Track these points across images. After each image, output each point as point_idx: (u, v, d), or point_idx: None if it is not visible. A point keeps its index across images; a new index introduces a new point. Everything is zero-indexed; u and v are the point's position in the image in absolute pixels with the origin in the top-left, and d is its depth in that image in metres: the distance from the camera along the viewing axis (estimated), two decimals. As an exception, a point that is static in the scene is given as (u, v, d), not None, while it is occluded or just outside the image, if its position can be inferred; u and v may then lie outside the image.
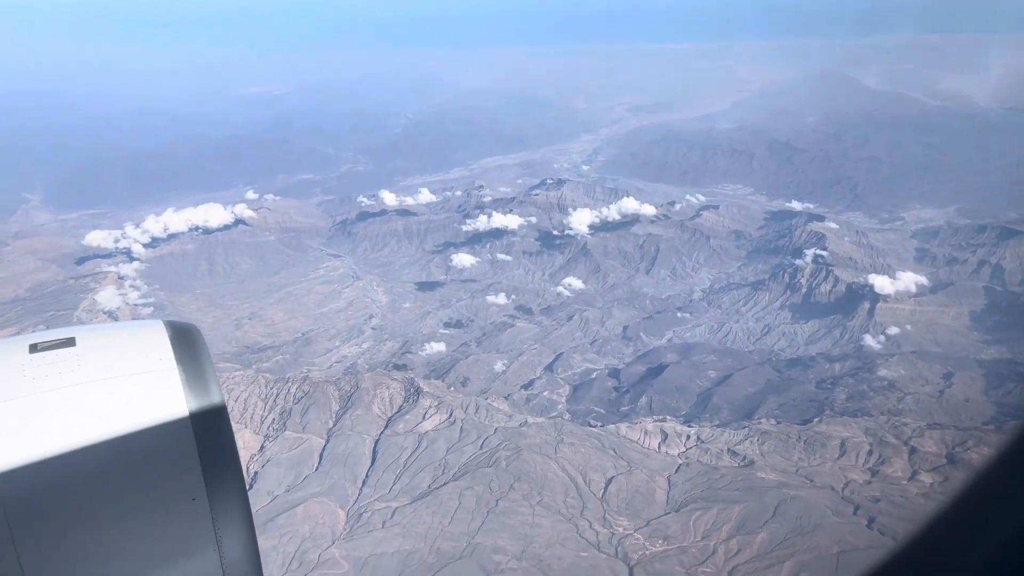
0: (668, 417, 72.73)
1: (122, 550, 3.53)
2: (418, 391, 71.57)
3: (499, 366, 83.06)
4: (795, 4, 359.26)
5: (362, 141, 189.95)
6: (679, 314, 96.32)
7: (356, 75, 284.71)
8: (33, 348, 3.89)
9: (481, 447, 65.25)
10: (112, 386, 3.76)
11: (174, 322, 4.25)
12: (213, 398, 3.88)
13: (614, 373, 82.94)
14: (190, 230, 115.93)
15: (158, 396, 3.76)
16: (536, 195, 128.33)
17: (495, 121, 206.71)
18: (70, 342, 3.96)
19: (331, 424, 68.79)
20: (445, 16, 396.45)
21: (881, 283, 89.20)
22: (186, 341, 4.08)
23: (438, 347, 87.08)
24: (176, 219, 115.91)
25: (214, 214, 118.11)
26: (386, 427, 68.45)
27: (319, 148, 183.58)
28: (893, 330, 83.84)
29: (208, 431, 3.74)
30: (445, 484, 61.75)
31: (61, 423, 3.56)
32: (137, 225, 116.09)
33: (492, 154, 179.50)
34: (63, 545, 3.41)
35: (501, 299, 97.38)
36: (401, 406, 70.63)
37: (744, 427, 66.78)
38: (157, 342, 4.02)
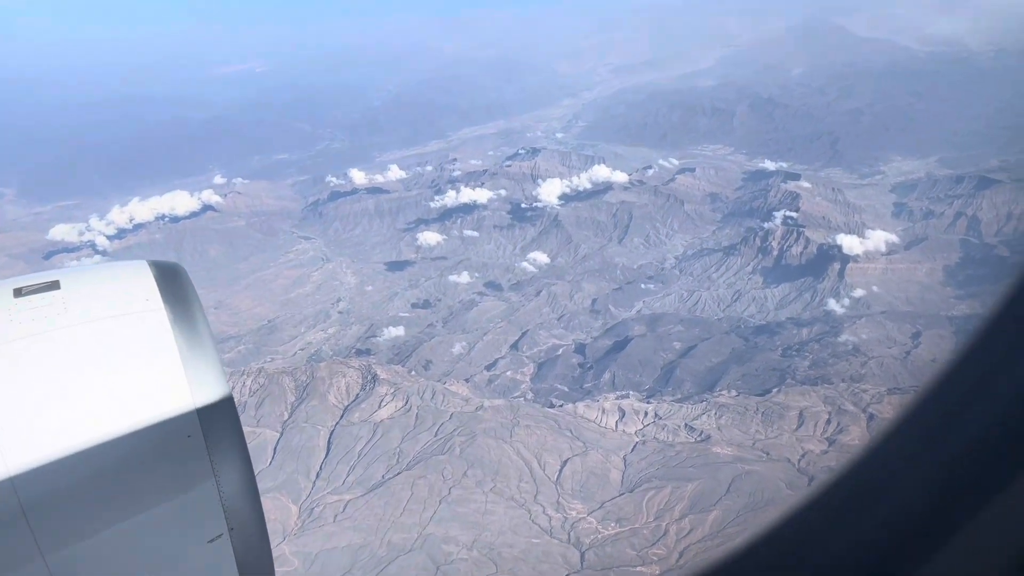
0: (631, 393, 71.72)
1: (119, 489, 3.48)
2: (375, 378, 70.61)
3: (463, 347, 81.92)
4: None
5: (341, 117, 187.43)
6: (649, 284, 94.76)
7: (338, 48, 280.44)
8: (17, 292, 3.84)
9: (436, 434, 64.41)
10: (100, 327, 3.71)
11: (159, 262, 4.23)
12: (202, 336, 3.85)
13: (580, 349, 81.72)
14: (157, 219, 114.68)
15: (146, 336, 3.73)
16: (509, 166, 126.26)
17: (477, 90, 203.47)
18: (54, 285, 3.91)
19: (286, 416, 68.00)
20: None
21: (850, 243, 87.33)
22: (172, 280, 4.04)
23: (402, 330, 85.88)
24: (142, 209, 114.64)
25: (181, 202, 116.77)
26: (342, 417, 67.64)
27: (297, 126, 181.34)
28: (859, 292, 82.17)
29: (198, 368, 3.70)
30: (398, 474, 61.06)
31: (50, 366, 3.52)
32: (102, 217, 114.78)
33: (472, 124, 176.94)
34: (57, 482, 3.35)
35: (465, 278, 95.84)
36: (358, 394, 69.74)
37: (703, 401, 65.64)
38: (143, 282, 3.97)
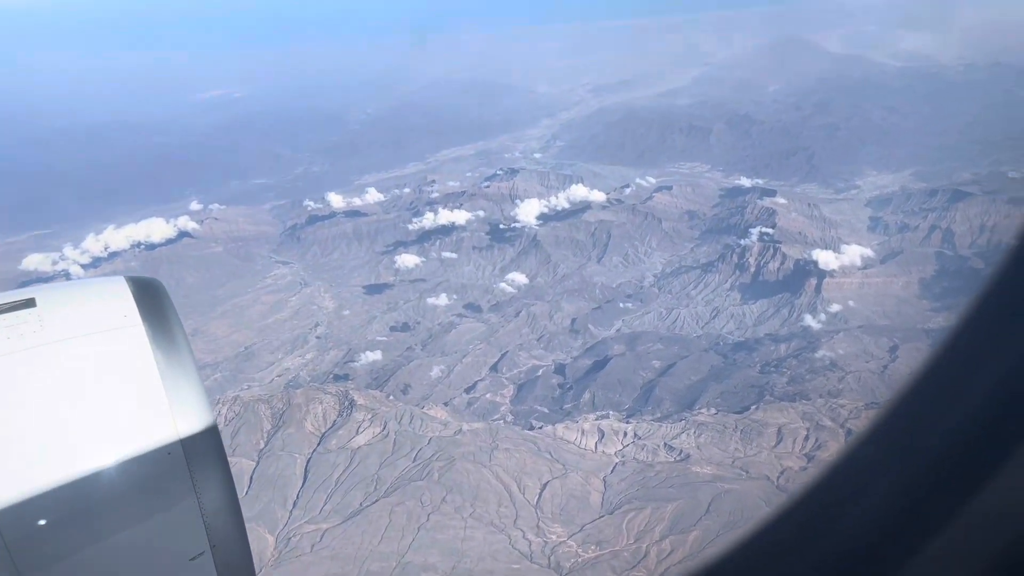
0: (610, 412, 71.45)
1: (99, 509, 3.45)
2: (352, 404, 69.89)
3: (442, 370, 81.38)
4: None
5: (320, 141, 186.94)
6: (628, 303, 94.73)
7: (317, 72, 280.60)
8: None
9: (414, 459, 63.72)
10: (77, 345, 3.67)
11: (136, 277, 4.16)
12: (181, 351, 3.80)
13: (560, 369, 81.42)
14: (132, 247, 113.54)
15: (124, 353, 3.69)
16: (487, 187, 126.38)
17: (455, 111, 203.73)
18: (30, 303, 3.86)
19: (262, 445, 67.09)
20: (409, 5, 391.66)
21: (826, 258, 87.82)
22: (150, 296, 3.99)
23: (380, 354, 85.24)
24: (117, 236, 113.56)
25: (157, 229, 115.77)
26: (319, 444, 66.81)
27: (275, 150, 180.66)
28: (835, 307, 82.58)
29: (178, 384, 3.65)
30: (376, 501, 60.25)
31: (25, 385, 3.49)
32: (76, 246, 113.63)
33: (451, 145, 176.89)
34: (36, 502, 3.31)
35: (443, 300, 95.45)
36: (335, 421, 68.96)
37: (682, 419, 65.40)
38: (120, 299, 3.92)
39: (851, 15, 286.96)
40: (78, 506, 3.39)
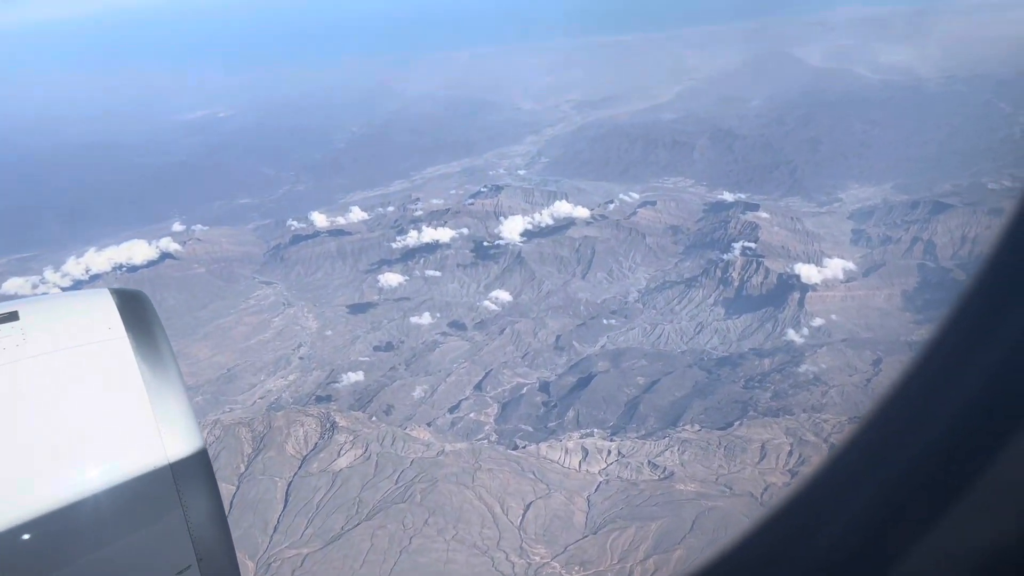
0: (595, 430, 71.05)
1: (85, 522, 3.41)
2: (334, 426, 69.21)
3: (426, 389, 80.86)
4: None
5: (304, 159, 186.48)
6: (613, 319, 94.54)
7: (302, 91, 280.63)
8: None
9: (396, 482, 63.03)
10: (61, 358, 3.67)
11: (121, 289, 4.15)
12: (166, 363, 3.79)
13: (544, 387, 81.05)
14: (114, 269, 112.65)
15: (109, 365, 3.68)
16: (471, 204, 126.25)
17: (441, 128, 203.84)
18: (13, 316, 3.86)
19: (242, 469, 66.26)
20: (396, 23, 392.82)
21: (808, 272, 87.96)
22: (134, 308, 3.98)
23: (362, 375, 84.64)
24: (99, 259, 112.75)
25: (139, 251, 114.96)
26: (300, 467, 66.05)
27: (259, 170, 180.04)
28: (818, 321, 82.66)
29: (163, 396, 3.64)
30: (358, 525, 59.50)
31: (10, 399, 3.48)
32: (57, 269, 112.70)
33: (436, 163, 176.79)
34: (20, 515, 3.28)
35: (427, 319, 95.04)
36: (316, 443, 68.22)
37: (666, 436, 65.05)
38: (104, 311, 3.91)
39: (833, 29, 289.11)
40: (64, 521, 3.34)
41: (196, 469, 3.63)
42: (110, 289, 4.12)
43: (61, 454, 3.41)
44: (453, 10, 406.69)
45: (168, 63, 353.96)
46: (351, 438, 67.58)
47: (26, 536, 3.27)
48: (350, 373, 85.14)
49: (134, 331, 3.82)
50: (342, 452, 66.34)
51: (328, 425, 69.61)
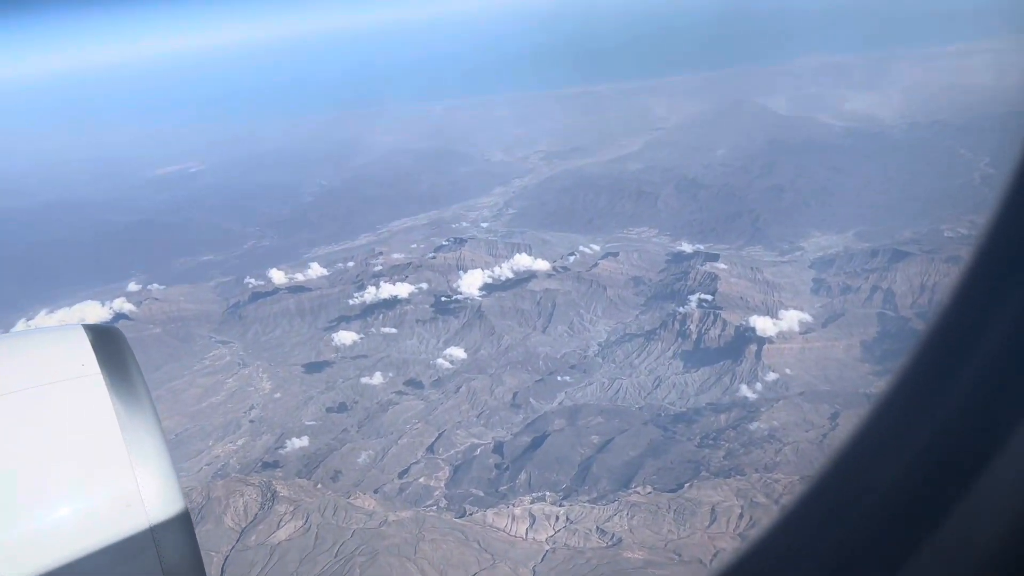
0: (547, 493, 69.01)
1: (57, 564, 3.28)
2: (274, 496, 66.70)
3: (376, 453, 78.49)
4: (707, 36, 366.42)
5: (271, 214, 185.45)
6: (571, 374, 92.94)
7: (276, 144, 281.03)
8: None
9: (336, 555, 60.45)
10: (32, 396, 3.61)
11: (95, 325, 4.13)
12: (141, 401, 3.74)
13: (499, 448, 78.91)
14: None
15: (82, 404, 3.61)
16: (433, 258, 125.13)
17: (410, 181, 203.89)
18: None
19: (177, 543, 63.39)
20: (369, 77, 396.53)
21: (763, 325, 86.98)
22: (109, 345, 3.94)
23: (312, 438, 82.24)
24: (50, 322, 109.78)
25: (91, 312, 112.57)
26: (238, 541, 63.38)
27: (225, 226, 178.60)
28: (776, 374, 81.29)
29: (138, 436, 3.57)
30: (293, 602, 56.96)
31: None
32: (7, 331, 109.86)
33: (403, 216, 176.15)
34: None
35: (378, 378, 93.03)
36: (256, 514, 65.64)
37: (615, 500, 63.05)
38: (78, 347, 3.87)
39: (799, 77, 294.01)
40: (34, 564, 3.19)
41: (171, 508, 3.50)
42: (84, 325, 4.04)
43: (31, 494, 3.27)
44: (427, 63, 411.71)
45: (140, 118, 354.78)
46: (291, 508, 65.07)
47: None
48: (300, 437, 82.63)
49: (108, 368, 3.72)
50: (281, 524, 63.81)
51: (269, 495, 67.12)
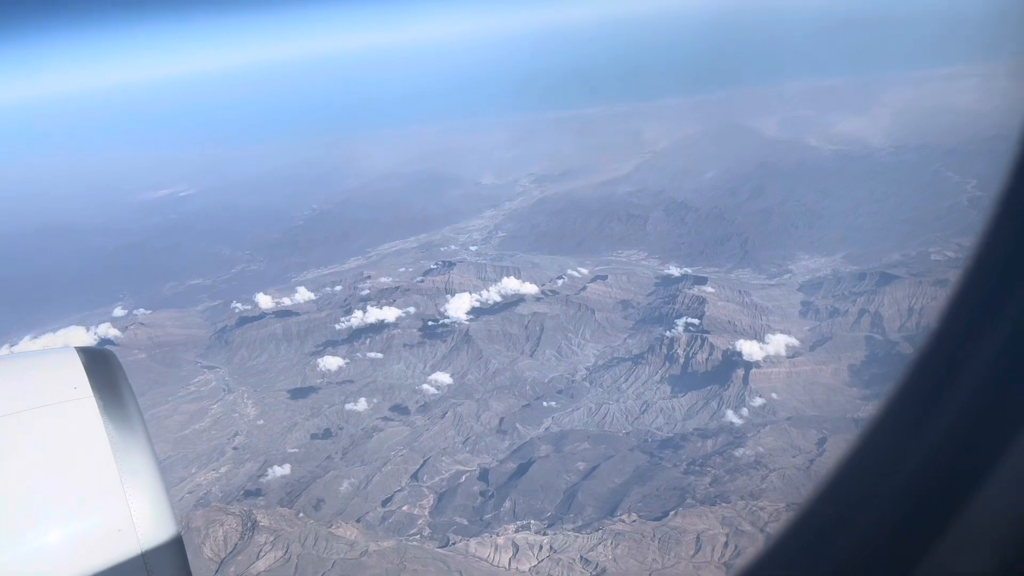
0: (532, 521, 68.17)
1: None
2: (255, 525, 65.72)
3: (359, 481, 77.52)
4: (698, 60, 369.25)
5: (261, 238, 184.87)
6: (559, 399, 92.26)
7: (267, 168, 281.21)
8: None
9: (315, 585, 59.55)
10: (24, 419, 3.58)
11: (87, 348, 4.09)
12: (134, 424, 3.70)
13: (484, 475, 78.04)
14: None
15: (74, 427, 3.59)
16: (422, 282, 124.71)
17: (401, 204, 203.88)
18: None
19: (154, 575, 62.32)
20: (359, 101, 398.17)
21: (750, 349, 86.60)
22: (101, 368, 3.92)
23: (296, 465, 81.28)
24: (34, 348, 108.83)
25: (76, 339, 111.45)
26: (216, 572, 62.34)
27: (214, 249, 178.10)
28: (763, 399, 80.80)
29: (131, 459, 3.55)
30: (271, 635, 55.89)
31: None
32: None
33: (393, 239, 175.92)
34: None
35: (363, 404, 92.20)
36: (236, 544, 64.63)
37: (600, 529, 62.26)
38: (70, 370, 3.84)
39: (789, 100, 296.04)
40: None
41: (163, 533, 3.45)
42: (77, 348, 3.99)
43: (22, 518, 3.23)
44: (420, 87, 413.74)
45: (132, 142, 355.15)
46: (272, 538, 64.12)
47: None
48: (284, 465, 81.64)
49: (101, 391, 3.68)
50: (261, 554, 62.83)
51: (249, 524, 66.14)
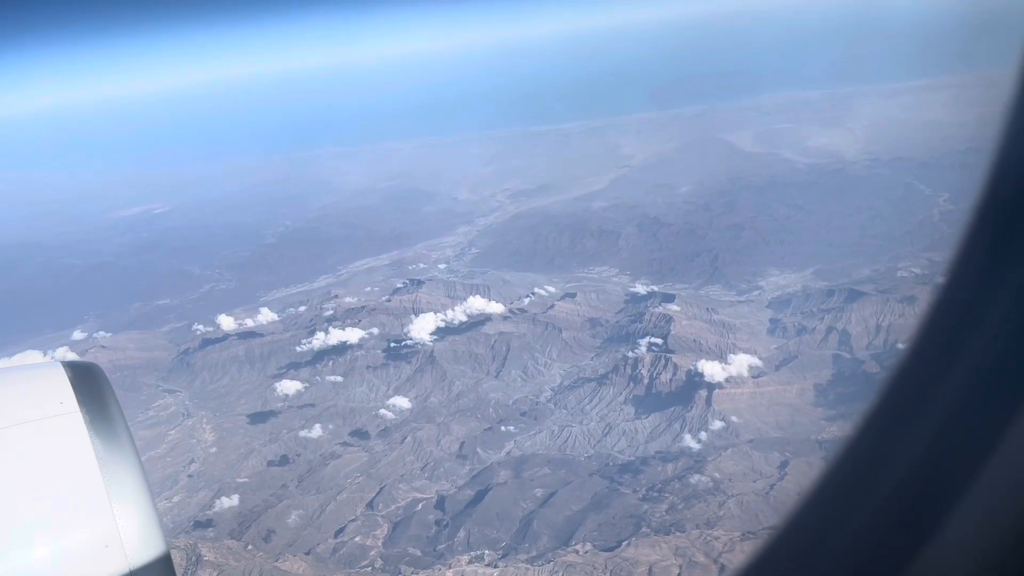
0: (486, 552, 66.33)
1: None
2: (199, 559, 63.55)
3: (308, 512, 75.42)
4: (675, 74, 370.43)
5: (233, 256, 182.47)
6: (521, 422, 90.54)
7: (241, 186, 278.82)
8: None
9: (257, 623, 57.49)
10: (9, 435, 3.52)
11: (73, 362, 4.09)
12: (121, 438, 3.65)
13: (441, 503, 76.13)
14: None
15: (61, 441, 3.55)
16: (388, 301, 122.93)
17: (374, 221, 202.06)
18: None
19: (90, 615, 60.04)
20: (335, 117, 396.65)
21: (711, 370, 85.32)
22: (88, 382, 3.85)
23: (249, 494, 79.12)
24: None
25: (31, 363, 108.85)
26: (155, 609, 60.00)
27: (184, 268, 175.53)
28: (723, 422, 79.44)
29: (118, 474, 3.49)
30: (207, 677, 53.74)
31: None
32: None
33: (365, 256, 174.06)
34: None
35: (318, 431, 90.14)
36: (178, 580, 62.35)
37: (551, 561, 60.54)
38: (56, 385, 3.79)
39: (765, 114, 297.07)
40: None
41: (151, 550, 3.41)
42: (63, 362, 3.99)
43: (6, 534, 3.19)
44: (396, 103, 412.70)
45: (105, 159, 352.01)
46: (215, 574, 61.98)
47: None
48: (234, 495, 79.44)
49: (87, 405, 3.65)
50: (203, 591, 60.68)
51: (193, 559, 63.95)
